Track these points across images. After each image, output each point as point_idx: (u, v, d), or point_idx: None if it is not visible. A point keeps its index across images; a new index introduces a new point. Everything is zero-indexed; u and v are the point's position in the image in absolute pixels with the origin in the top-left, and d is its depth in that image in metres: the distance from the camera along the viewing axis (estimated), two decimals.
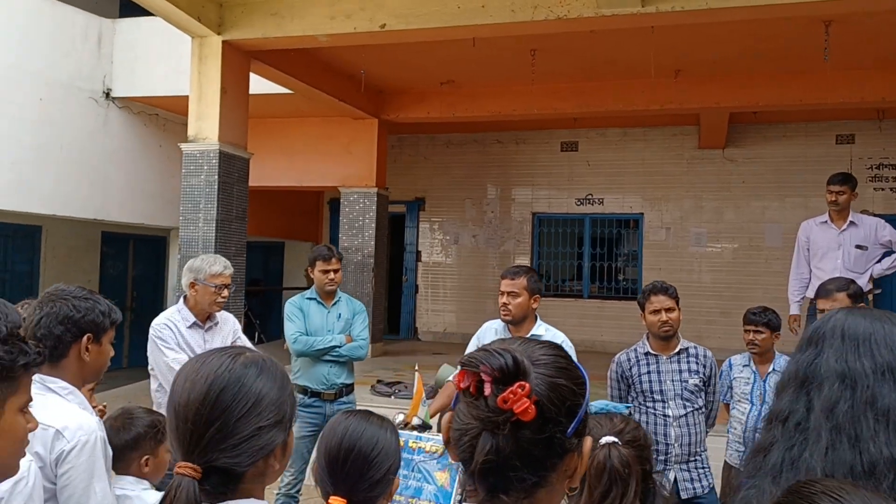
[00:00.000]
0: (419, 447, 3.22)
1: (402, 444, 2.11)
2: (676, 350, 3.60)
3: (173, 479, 1.12)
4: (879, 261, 5.55)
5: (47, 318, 1.97)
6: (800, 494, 0.86)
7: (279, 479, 4.31)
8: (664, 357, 3.59)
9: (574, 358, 1.05)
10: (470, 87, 9.30)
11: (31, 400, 1.24)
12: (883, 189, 10.26)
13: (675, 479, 3.47)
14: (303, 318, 4.55)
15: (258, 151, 7.73)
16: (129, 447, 2.44)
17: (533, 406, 0.92)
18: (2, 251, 10.05)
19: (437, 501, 3.15)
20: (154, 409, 3.23)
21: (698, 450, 3.56)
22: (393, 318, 12.14)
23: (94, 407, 2.26)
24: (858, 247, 5.43)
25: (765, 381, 4.02)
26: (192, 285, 3.77)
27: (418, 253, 12.37)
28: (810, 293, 5.56)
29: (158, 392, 3.74)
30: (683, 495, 3.48)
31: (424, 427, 3.44)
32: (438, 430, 3.93)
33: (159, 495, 2.41)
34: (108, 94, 9.43)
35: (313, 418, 4.43)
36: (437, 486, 3.21)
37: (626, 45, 7.37)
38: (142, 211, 10.10)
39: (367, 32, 6.49)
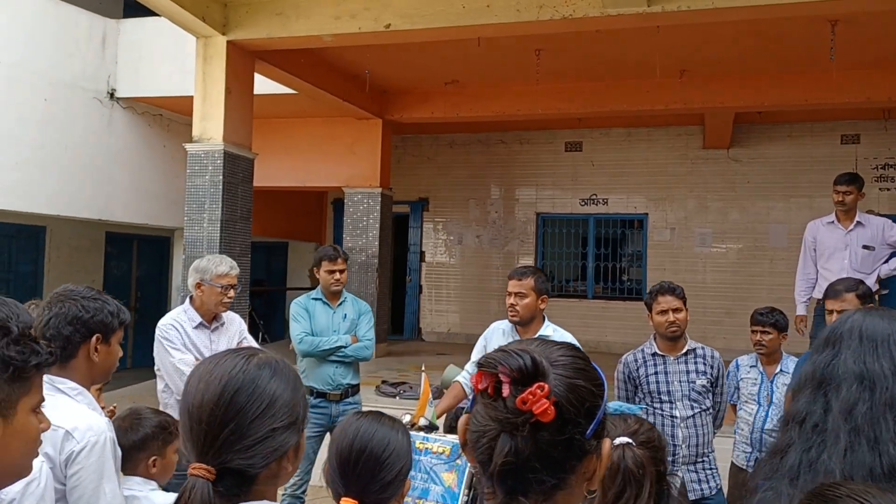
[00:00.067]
0: (426, 448, 3.21)
1: None
2: (684, 351, 3.59)
3: (187, 480, 1.12)
4: (886, 261, 5.53)
5: (56, 318, 1.96)
6: (824, 497, 0.85)
7: None
8: (671, 358, 3.58)
9: None
10: (474, 87, 9.29)
11: (43, 400, 1.23)
12: (889, 189, 10.23)
13: (682, 480, 3.46)
14: (308, 318, 4.55)
15: (262, 152, 7.73)
16: (136, 448, 2.44)
17: (552, 407, 0.91)
18: (6, 251, 10.06)
19: (444, 502, 3.14)
20: (160, 409, 3.23)
21: (706, 451, 3.55)
22: (396, 319, 12.13)
23: (102, 407, 2.26)
24: (865, 247, 5.41)
25: (772, 382, 4.01)
26: (199, 286, 3.77)
27: (422, 253, 12.36)
28: (817, 294, 5.54)
29: (165, 393, 3.74)
30: (691, 496, 3.47)
31: (431, 428, 3.43)
32: (445, 432, 3.92)
33: (167, 496, 2.42)
34: (112, 95, 9.44)
35: (319, 419, 4.42)
36: (444, 486, 3.20)
37: (630, 45, 7.35)
38: (146, 211, 10.11)
39: (371, 32, 6.48)
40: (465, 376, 3.80)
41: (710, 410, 3.60)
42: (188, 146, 7.03)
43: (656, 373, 3.57)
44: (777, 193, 10.65)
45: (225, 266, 3.78)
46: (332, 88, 8.49)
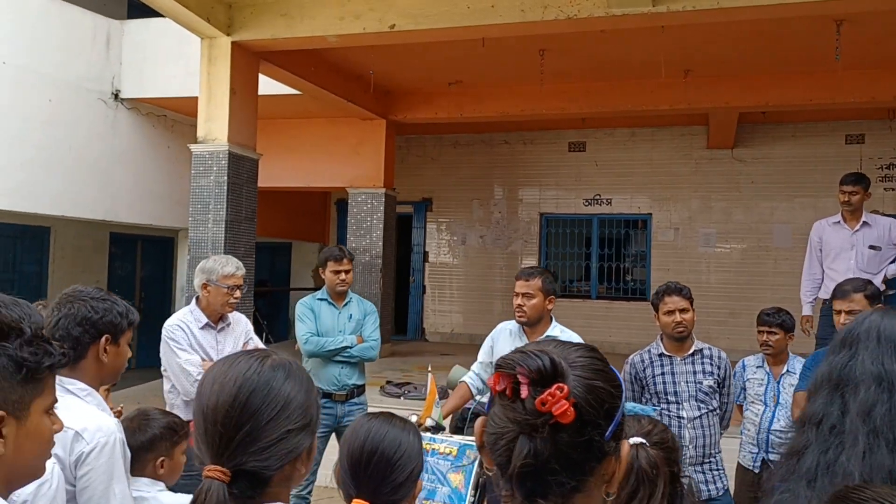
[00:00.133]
0: (433, 449, 3.21)
1: None
2: (691, 351, 3.58)
3: (203, 482, 1.11)
4: (893, 261, 5.51)
5: (65, 319, 1.96)
6: (849, 500, 0.84)
7: None
8: (678, 358, 3.56)
9: None
10: (478, 87, 9.28)
11: (56, 401, 1.23)
12: (894, 189, 10.21)
13: (694, 482, 3.45)
14: (314, 318, 4.54)
15: (266, 152, 7.73)
16: (144, 448, 2.43)
17: (572, 408, 0.91)
18: (11, 252, 10.07)
19: (450, 503, 3.14)
20: (167, 410, 3.23)
21: (713, 452, 3.53)
22: (400, 319, 12.13)
23: (110, 408, 2.26)
24: (872, 247, 5.39)
25: (778, 383, 4.00)
26: (205, 286, 3.76)
27: (425, 254, 12.36)
28: (823, 294, 5.52)
29: (171, 393, 3.74)
30: (691, 496, 3.45)
31: (438, 428, 3.43)
32: (451, 432, 3.91)
33: (175, 497, 2.42)
34: (116, 96, 9.45)
35: (325, 419, 4.41)
36: (450, 487, 3.19)
37: (635, 45, 7.34)
38: (150, 212, 10.12)
39: (376, 33, 6.48)
40: (471, 377, 3.79)
41: (717, 411, 3.58)
42: (193, 147, 7.03)
43: (663, 373, 3.56)
44: (781, 193, 10.64)
45: (231, 266, 3.78)
46: (336, 89, 8.49)
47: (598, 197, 11.49)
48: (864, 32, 6.67)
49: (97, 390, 2.02)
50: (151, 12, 6.80)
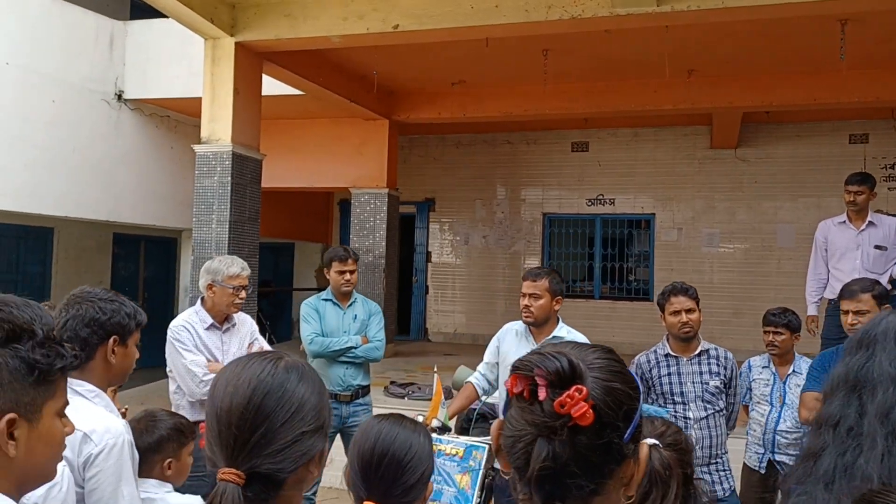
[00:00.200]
0: (439, 450, 3.20)
1: None
2: (697, 351, 3.57)
3: (217, 485, 1.11)
4: None
5: (73, 320, 1.96)
6: None
7: None
8: (684, 359, 3.56)
9: None
10: (481, 87, 9.27)
11: (67, 404, 1.22)
12: None
13: (706, 483, 3.44)
14: (318, 319, 4.54)
15: (269, 153, 7.72)
16: (152, 450, 2.43)
17: (591, 410, 0.90)
18: (14, 252, 10.07)
19: None
20: (173, 410, 3.22)
21: (719, 452, 3.53)
22: (403, 319, 12.12)
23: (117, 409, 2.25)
24: (877, 247, 5.37)
25: (784, 383, 3.99)
26: (210, 287, 3.76)
27: (428, 254, 12.36)
28: (828, 294, 5.51)
29: (177, 394, 3.73)
30: (704, 498, 3.44)
31: (444, 429, 3.42)
32: (457, 433, 3.91)
33: (182, 498, 2.41)
34: (119, 96, 9.45)
35: None
36: (457, 488, 3.19)
37: (639, 45, 7.33)
38: (153, 212, 10.12)
39: (379, 33, 6.47)
40: (476, 377, 3.79)
41: (724, 412, 3.57)
42: (196, 147, 7.03)
43: (669, 374, 3.55)
44: (785, 193, 10.62)
45: (236, 267, 3.78)
46: (339, 89, 8.49)
47: (601, 197, 11.48)
48: (869, 32, 6.65)
49: (105, 391, 2.02)
50: (154, 13, 6.80)
